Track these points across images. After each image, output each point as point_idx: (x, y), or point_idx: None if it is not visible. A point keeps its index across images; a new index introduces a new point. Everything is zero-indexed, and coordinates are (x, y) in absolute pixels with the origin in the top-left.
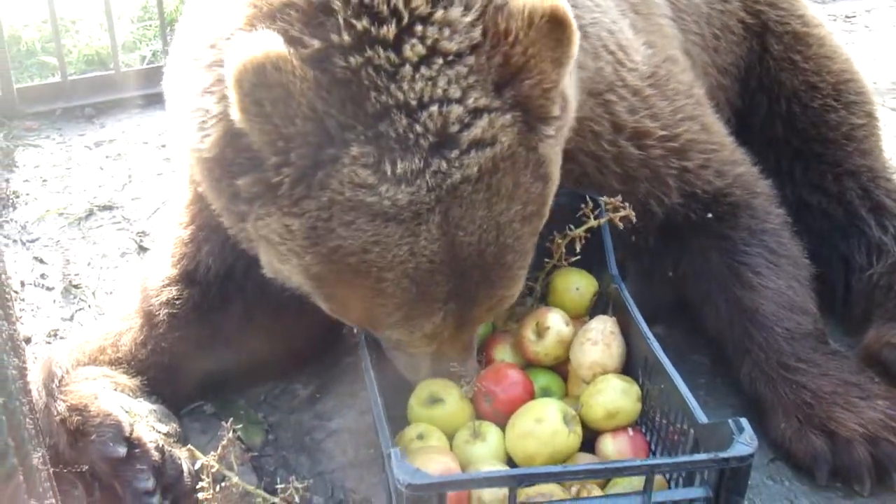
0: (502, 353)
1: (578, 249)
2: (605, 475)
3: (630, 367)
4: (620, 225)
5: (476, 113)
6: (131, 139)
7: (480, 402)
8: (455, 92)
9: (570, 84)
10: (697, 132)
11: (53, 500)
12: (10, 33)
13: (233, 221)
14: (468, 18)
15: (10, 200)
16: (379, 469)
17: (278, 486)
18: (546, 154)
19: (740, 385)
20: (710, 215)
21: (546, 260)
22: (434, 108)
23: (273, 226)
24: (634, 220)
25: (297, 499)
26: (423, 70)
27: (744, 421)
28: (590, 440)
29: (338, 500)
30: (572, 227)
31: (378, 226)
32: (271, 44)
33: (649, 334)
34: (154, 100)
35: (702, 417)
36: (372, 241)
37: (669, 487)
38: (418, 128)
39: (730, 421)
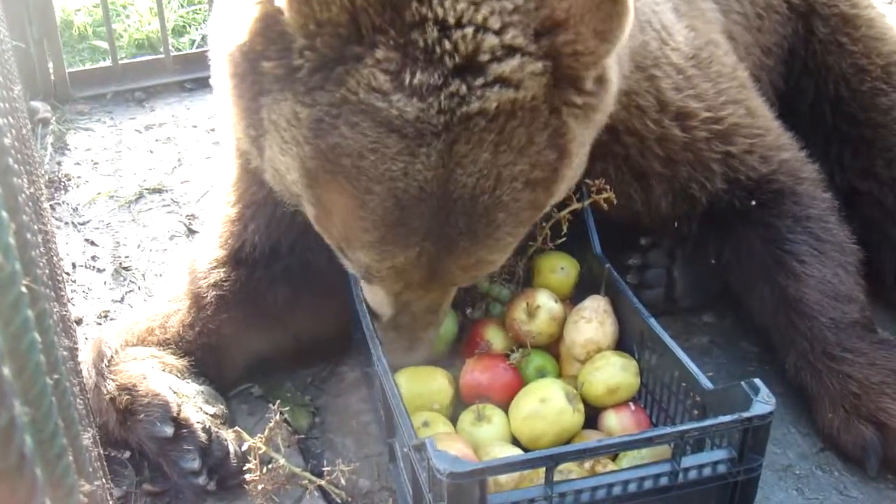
0: (492, 334)
1: (564, 231)
2: (638, 446)
3: (622, 344)
4: (605, 206)
5: (510, 50)
6: (181, 123)
7: (471, 396)
8: (495, 22)
9: (613, 64)
10: (742, 116)
11: (103, 480)
12: (63, 18)
13: (249, 132)
14: None
15: (62, 183)
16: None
17: (324, 469)
18: (568, 125)
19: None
20: (753, 202)
21: (530, 243)
22: (469, 31)
23: (284, 111)
24: (615, 201)
25: (343, 482)
26: None
27: (758, 381)
28: (590, 417)
29: (383, 484)
30: (555, 210)
31: (381, 134)
32: None
33: (645, 311)
34: (203, 83)
35: (707, 384)
36: (370, 147)
37: (673, 457)
38: (448, 44)
39: (742, 383)
